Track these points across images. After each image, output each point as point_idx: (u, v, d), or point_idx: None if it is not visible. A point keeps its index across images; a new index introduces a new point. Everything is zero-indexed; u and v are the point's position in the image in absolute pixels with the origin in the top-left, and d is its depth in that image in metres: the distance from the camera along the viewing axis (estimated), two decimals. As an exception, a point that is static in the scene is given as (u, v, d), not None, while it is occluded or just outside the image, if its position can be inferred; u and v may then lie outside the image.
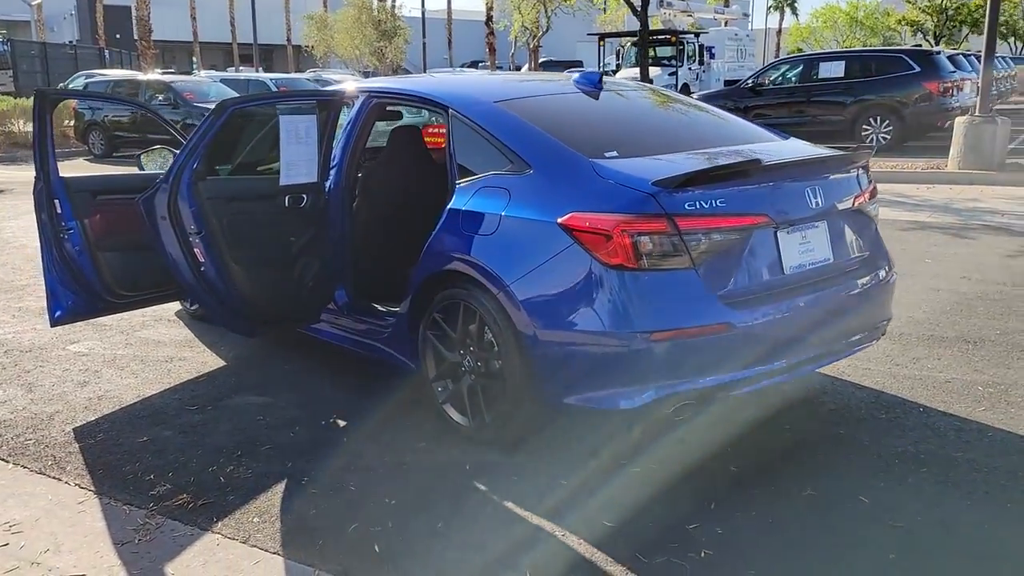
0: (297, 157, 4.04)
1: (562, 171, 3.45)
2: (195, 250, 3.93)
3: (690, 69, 27.10)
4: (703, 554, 2.90)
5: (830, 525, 3.06)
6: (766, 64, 19.43)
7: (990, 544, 2.93)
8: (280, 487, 3.46)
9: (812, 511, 3.16)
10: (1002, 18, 33.77)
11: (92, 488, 3.47)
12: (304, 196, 4.21)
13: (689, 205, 3.19)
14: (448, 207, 3.78)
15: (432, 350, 3.95)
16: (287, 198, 4.15)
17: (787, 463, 3.55)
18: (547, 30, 28.44)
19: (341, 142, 4.45)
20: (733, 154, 3.66)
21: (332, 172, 4.38)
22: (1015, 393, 4.24)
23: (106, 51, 36.11)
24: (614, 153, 3.52)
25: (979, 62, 19.90)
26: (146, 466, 3.67)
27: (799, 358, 3.44)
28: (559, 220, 3.31)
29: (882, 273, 3.82)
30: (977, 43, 39.02)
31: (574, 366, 3.33)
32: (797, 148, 3.98)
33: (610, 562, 2.88)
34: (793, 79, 16.34)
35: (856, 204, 3.72)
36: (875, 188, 3.91)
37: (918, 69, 15.49)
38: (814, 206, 3.50)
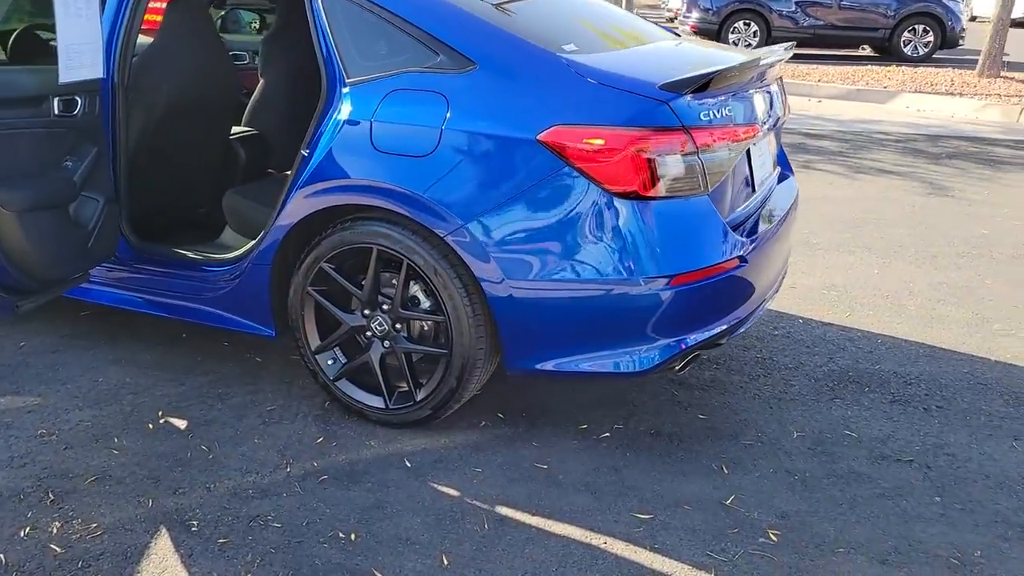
0: (79, 38, 2.67)
1: (526, 70, 2.62)
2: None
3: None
4: (772, 536, 2.45)
5: (853, 472, 2.77)
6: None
7: (994, 465, 2.84)
8: (163, 545, 2.33)
9: (820, 458, 2.85)
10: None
11: None
12: (77, 99, 2.84)
13: (704, 115, 2.59)
14: (336, 118, 2.75)
15: (314, 312, 2.94)
16: (56, 102, 2.76)
17: (744, 399, 3.20)
18: None
19: (109, 18, 3.09)
20: (694, 53, 3.09)
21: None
22: (855, 294, 4.31)
23: None
24: (573, 47, 2.75)
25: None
26: (-99, 546, 2.28)
27: (773, 288, 3.06)
28: (539, 136, 2.51)
29: (795, 184, 3.56)
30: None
31: (561, 325, 2.62)
32: (727, 50, 3.51)
33: (687, 569, 2.31)
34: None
35: (785, 112, 3.38)
36: None
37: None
38: (772, 114, 3.08)
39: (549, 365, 2.65)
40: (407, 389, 2.86)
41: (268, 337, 3.05)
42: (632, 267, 2.51)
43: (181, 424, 2.91)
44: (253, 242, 3.02)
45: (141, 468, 2.66)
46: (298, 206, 2.80)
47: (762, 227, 2.94)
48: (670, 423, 3.02)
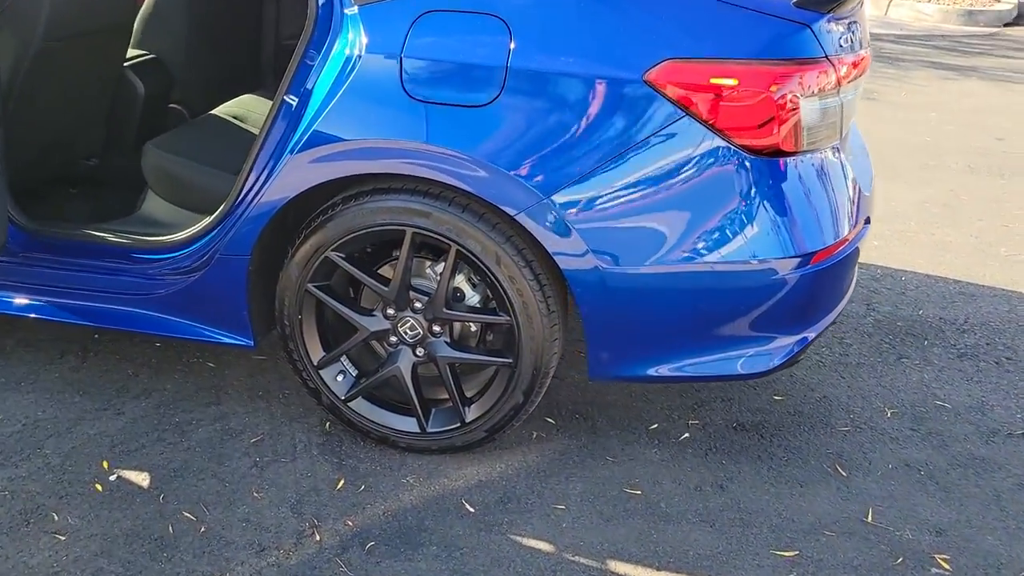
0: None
1: (616, -19, 1.93)
2: None
3: None
4: (942, 563, 2.02)
5: (976, 458, 2.38)
6: None
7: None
8: None
9: (930, 441, 2.44)
10: None
11: None
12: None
13: (843, 42, 2.01)
14: (341, 51, 1.98)
15: (314, 315, 2.20)
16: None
17: (809, 370, 2.75)
18: None
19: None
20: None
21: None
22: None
23: None
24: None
25: None
26: None
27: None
28: (646, 75, 1.86)
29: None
30: None
31: (674, 320, 2.03)
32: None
33: (875, 627, 1.85)
34: None
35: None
36: None
37: None
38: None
39: (664, 369, 2.06)
40: (449, 406, 2.21)
41: (245, 348, 2.29)
42: (767, 244, 1.94)
43: (141, 479, 2.13)
44: (208, 220, 2.21)
45: (109, 560, 1.90)
46: (293, 177, 2.03)
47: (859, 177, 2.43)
48: (747, 411, 2.53)
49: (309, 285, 2.13)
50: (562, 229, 1.92)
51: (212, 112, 2.87)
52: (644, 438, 2.39)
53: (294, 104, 2.02)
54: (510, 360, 2.09)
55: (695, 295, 1.98)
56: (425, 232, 2.01)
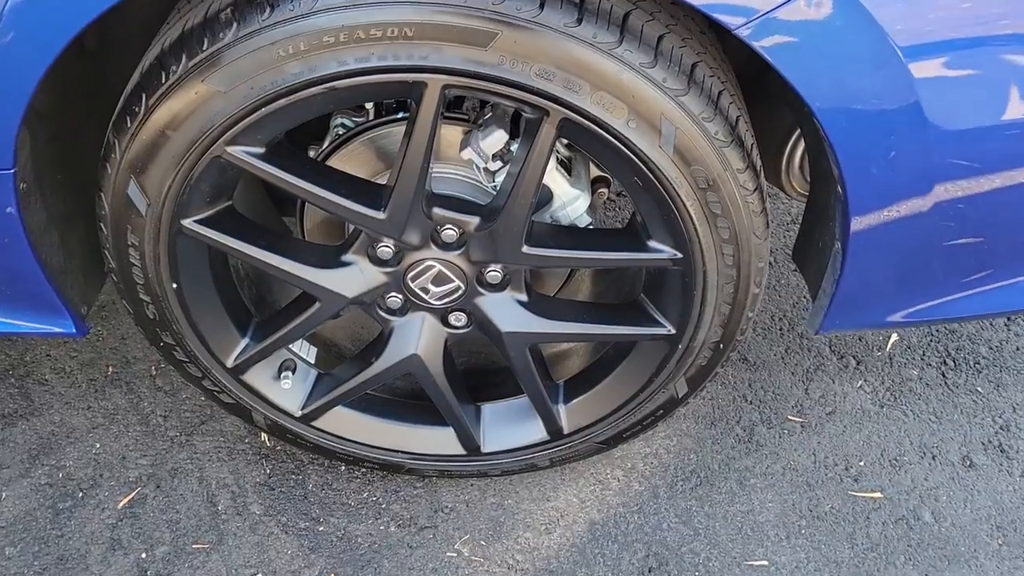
0: None
1: None
2: None
3: None
4: None
5: None
6: None
7: None
8: None
9: None
10: None
11: None
12: None
13: None
14: None
15: (209, 275, 0.97)
16: None
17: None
18: None
19: None
20: None
21: None
22: None
23: None
24: None
25: None
26: None
27: None
28: None
29: None
30: None
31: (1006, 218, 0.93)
32: None
33: None
34: None
35: None
36: None
37: None
38: None
39: (966, 306, 1.02)
40: (519, 399, 1.09)
41: (68, 337, 1.07)
42: None
43: None
44: None
45: None
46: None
47: None
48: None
49: (187, 222, 0.88)
50: (858, 53, 0.74)
51: None
52: (834, 365, 1.36)
53: None
54: (670, 330, 0.97)
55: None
56: (472, 83, 0.77)
